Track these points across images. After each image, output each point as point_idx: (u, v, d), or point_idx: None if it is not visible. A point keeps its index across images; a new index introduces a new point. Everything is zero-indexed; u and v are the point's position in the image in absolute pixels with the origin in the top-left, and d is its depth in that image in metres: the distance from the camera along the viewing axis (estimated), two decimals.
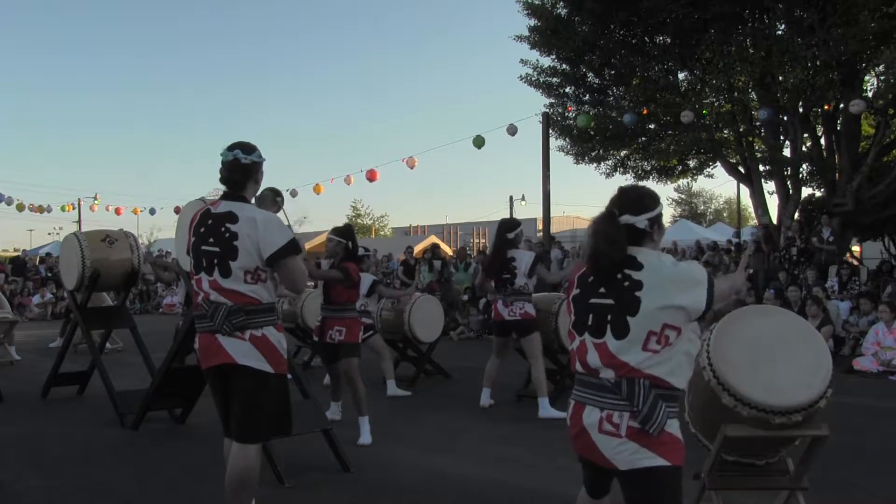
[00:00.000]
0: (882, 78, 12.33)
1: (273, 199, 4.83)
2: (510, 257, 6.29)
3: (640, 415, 2.20)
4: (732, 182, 22.50)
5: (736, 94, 13.77)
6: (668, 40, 13.84)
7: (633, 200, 2.42)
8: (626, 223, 2.36)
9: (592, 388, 2.32)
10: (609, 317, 2.30)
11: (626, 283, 2.30)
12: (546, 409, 6.12)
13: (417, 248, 21.83)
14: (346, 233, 5.56)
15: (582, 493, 2.59)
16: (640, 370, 2.24)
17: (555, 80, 15.64)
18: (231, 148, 3.21)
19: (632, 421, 2.22)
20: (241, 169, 3.21)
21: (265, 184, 3.55)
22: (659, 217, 2.43)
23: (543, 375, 6.24)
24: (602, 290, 2.35)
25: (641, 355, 2.24)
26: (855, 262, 14.52)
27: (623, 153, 16.45)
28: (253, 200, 3.34)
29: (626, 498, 2.32)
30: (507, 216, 32.78)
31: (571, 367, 2.47)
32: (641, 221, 2.37)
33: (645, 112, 14.34)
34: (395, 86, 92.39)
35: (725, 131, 15.10)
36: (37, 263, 21.74)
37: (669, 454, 2.23)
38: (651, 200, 2.43)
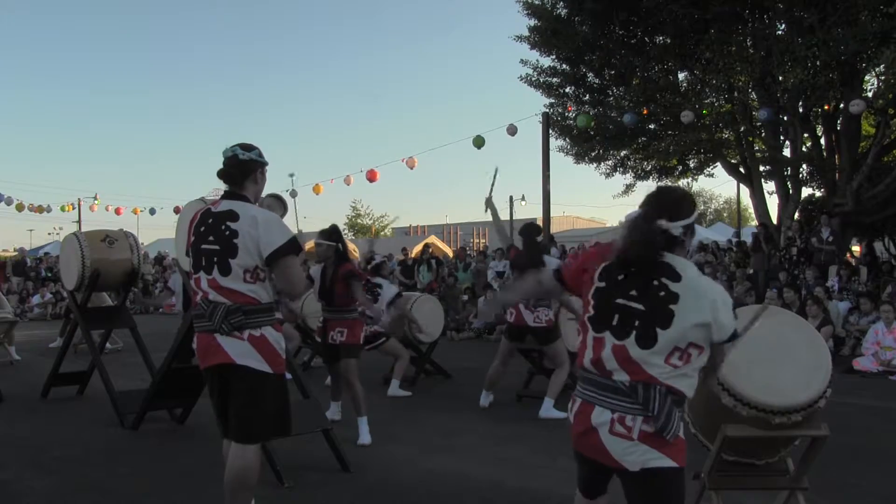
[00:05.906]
0: (882, 78, 12.32)
1: (279, 205, 4.84)
2: None
3: (658, 422, 2.15)
4: (732, 182, 22.56)
5: (736, 94, 13.78)
6: (668, 40, 13.84)
7: (672, 204, 2.29)
8: (661, 228, 2.22)
9: (603, 389, 2.24)
10: (637, 322, 2.20)
11: (662, 294, 2.19)
12: (547, 410, 6.12)
13: (415, 250, 21.87)
14: (334, 235, 5.45)
15: (578, 495, 2.53)
16: (659, 380, 2.17)
17: (555, 80, 15.64)
18: (232, 146, 3.28)
19: (645, 425, 2.16)
20: (237, 164, 3.24)
21: (267, 187, 3.56)
22: (693, 224, 2.30)
23: (563, 381, 6.25)
24: (633, 292, 2.23)
25: (662, 367, 2.17)
26: (861, 260, 14.50)
27: (623, 153, 16.45)
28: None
29: (631, 499, 2.28)
30: (508, 216, 32.79)
31: (578, 361, 2.37)
32: (677, 228, 2.24)
33: (645, 112, 14.33)
34: (395, 86, 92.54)
35: (725, 131, 15.11)
36: (39, 263, 21.70)
37: (677, 455, 2.21)
38: (689, 206, 2.30)
